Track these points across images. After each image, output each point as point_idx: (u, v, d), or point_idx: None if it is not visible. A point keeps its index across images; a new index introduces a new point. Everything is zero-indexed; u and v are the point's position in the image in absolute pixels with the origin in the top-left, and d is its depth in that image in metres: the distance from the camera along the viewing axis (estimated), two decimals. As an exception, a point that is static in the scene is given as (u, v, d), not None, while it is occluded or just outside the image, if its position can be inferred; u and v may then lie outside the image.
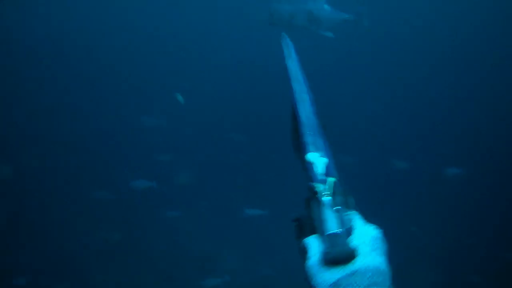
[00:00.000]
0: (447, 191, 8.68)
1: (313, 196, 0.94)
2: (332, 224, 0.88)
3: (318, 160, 0.99)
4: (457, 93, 10.62)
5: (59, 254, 7.34)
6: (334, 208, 0.89)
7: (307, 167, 1.01)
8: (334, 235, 0.86)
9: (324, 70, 9.96)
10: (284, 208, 7.80)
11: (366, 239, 0.87)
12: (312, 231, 0.92)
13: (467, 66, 10.87)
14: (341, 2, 5.36)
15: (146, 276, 7.43)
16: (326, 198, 0.91)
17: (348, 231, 0.89)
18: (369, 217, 0.96)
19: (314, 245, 0.89)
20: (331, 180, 0.95)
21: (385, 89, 10.80)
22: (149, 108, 9.88)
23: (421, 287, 7.43)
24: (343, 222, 0.89)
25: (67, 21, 11.89)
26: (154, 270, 7.53)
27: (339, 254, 0.84)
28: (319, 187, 0.94)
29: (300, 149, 1.09)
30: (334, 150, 1.14)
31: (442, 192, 8.76)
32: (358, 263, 0.83)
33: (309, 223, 0.93)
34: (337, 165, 1.05)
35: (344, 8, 5.38)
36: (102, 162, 9.15)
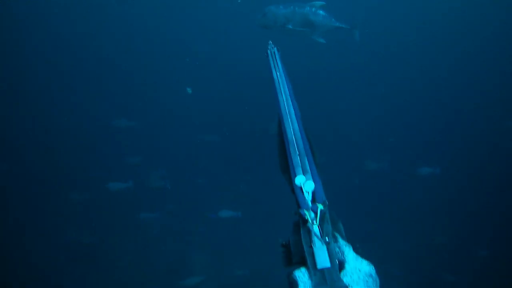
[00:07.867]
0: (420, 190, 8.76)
1: (301, 223, 0.90)
2: (322, 258, 0.83)
3: (306, 184, 0.95)
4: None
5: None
6: (325, 240, 0.84)
7: (295, 190, 0.97)
8: (325, 270, 0.82)
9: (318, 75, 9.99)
10: (257, 210, 7.88)
11: (359, 276, 0.82)
12: (301, 260, 0.87)
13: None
14: (338, 14, 5.37)
15: (121, 279, 7.31)
16: (316, 228, 0.87)
17: (340, 264, 0.85)
18: (359, 245, 0.93)
19: (303, 280, 0.85)
20: (320, 207, 0.90)
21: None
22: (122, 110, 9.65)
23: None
24: (333, 256, 0.84)
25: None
26: (128, 273, 7.42)
27: None
28: (308, 215, 0.89)
29: (287, 170, 1.05)
30: (322, 167, 1.11)
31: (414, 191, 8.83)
32: None
33: (298, 251, 0.88)
34: (325, 186, 1.02)
35: (340, 19, 5.42)
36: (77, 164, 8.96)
